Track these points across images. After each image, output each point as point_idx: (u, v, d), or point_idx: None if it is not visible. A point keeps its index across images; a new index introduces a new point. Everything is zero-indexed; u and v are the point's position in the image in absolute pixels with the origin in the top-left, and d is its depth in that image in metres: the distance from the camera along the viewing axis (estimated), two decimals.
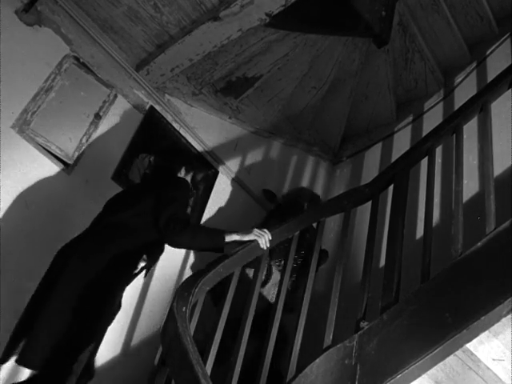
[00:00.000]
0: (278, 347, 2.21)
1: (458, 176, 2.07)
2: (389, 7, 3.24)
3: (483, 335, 1.55)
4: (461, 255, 1.80)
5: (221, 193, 3.61)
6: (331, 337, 2.09)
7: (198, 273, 2.05)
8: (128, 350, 2.83)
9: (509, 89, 2.25)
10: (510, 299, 1.48)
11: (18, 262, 2.57)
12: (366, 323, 1.96)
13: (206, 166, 3.49)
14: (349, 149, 4.31)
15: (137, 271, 2.33)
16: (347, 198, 2.65)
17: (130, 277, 2.32)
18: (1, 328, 2.38)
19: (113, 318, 2.26)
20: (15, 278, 2.53)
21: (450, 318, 1.61)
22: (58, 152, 2.87)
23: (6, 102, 2.72)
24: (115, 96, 3.21)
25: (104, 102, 3.15)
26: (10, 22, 2.86)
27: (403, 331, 1.76)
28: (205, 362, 1.87)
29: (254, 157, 3.92)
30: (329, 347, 2.03)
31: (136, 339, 2.87)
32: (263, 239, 2.27)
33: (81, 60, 3.10)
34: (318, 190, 4.08)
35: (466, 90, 3.45)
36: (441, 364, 1.61)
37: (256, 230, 2.29)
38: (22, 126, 2.77)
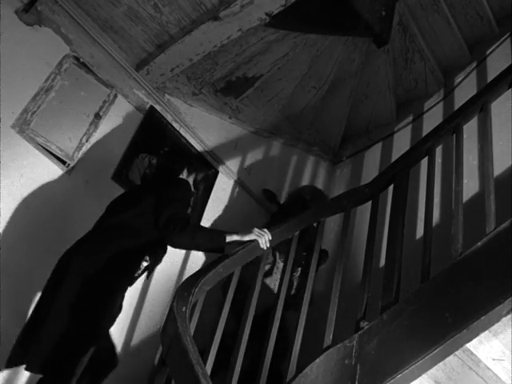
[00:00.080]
0: (284, 346, 2.21)
1: (457, 176, 2.07)
2: (389, 7, 3.24)
3: (483, 335, 1.55)
4: (461, 255, 1.80)
5: (221, 193, 3.61)
6: (331, 337, 2.09)
7: (198, 273, 2.05)
8: (128, 350, 2.83)
9: (509, 89, 2.25)
10: (510, 299, 1.48)
11: (18, 262, 2.57)
12: (365, 323, 1.96)
13: (205, 166, 3.49)
14: (349, 149, 4.30)
15: (139, 272, 2.33)
16: (347, 197, 2.65)
17: (132, 278, 2.32)
18: (1, 328, 2.38)
19: (114, 320, 2.26)
20: (15, 277, 2.53)
21: (450, 317, 1.61)
22: (58, 152, 2.87)
23: (5, 101, 2.72)
24: (115, 96, 3.21)
25: (104, 102, 3.15)
26: (10, 22, 2.86)
27: (403, 331, 1.76)
28: (205, 362, 1.87)
29: (253, 157, 3.92)
30: (329, 347, 2.03)
31: (136, 339, 2.87)
32: (263, 239, 2.27)
33: (81, 60, 3.11)
34: None
35: (466, 89, 3.45)
36: (441, 364, 1.61)
37: (256, 230, 2.29)
38: (22, 126, 2.77)
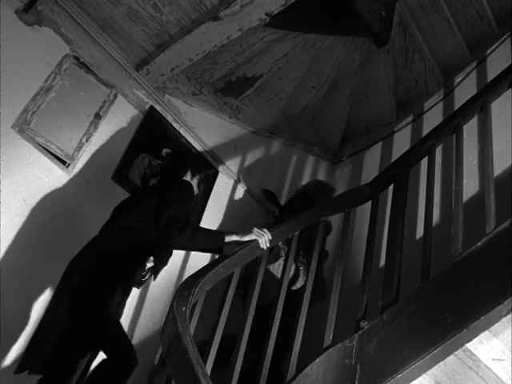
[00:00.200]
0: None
1: (458, 176, 2.07)
2: (389, 7, 3.24)
3: (483, 335, 1.55)
4: (461, 255, 1.80)
5: (221, 193, 3.61)
6: (331, 337, 2.09)
7: (198, 273, 2.05)
8: None
9: (509, 89, 2.25)
10: (510, 299, 1.48)
11: (18, 262, 2.57)
12: (365, 323, 1.96)
13: (206, 166, 3.49)
14: (349, 149, 4.31)
15: (144, 273, 2.34)
16: (347, 197, 2.65)
17: (131, 278, 2.31)
18: (1, 329, 2.38)
19: (113, 320, 2.24)
20: (15, 277, 2.53)
21: (450, 317, 1.61)
22: (58, 152, 2.87)
23: (6, 101, 2.72)
24: (115, 96, 3.21)
25: (104, 101, 3.15)
26: (10, 22, 2.86)
27: (403, 331, 1.76)
28: (205, 362, 1.87)
29: (253, 157, 3.92)
30: (329, 347, 2.03)
31: (136, 339, 2.87)
32: (263, 239, 2.27)
33: (81, 60, 3.10)
34: None
35: (466, 89, 3.45)
36: (441, 364, 1.61)
37: (256, 230, 2.29)
38: (22, 126, 2.77)
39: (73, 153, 2.93)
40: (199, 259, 3.09)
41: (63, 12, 3.07)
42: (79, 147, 2.96)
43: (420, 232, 2.85)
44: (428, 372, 1.63)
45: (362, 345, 1.86)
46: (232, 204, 3.65)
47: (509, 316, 1.50)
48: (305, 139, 4.23)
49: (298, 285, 3.00)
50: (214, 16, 2.95)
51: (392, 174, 2.52)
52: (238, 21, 2.95)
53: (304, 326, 2.19)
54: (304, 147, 4.24)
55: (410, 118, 3.89)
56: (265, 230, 2.32)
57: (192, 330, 1.90)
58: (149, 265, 2.34)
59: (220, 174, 3.63)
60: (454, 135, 2.28)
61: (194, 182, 2.67)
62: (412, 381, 1.65)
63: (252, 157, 3.90)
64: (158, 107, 3.41)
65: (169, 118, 3.46)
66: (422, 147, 2.46)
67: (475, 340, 1.56)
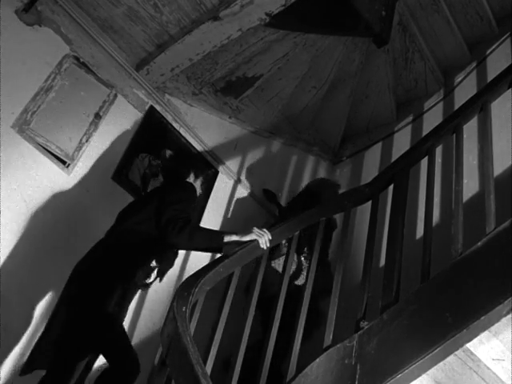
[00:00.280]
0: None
1: (457, 176, 2.07)
2: (389, 7, 3.24)
3: (483, 335, 1.55)
4: (461, 255, 1.80)
5: (221, 193, 3.60)
6: (331, 337, 2.09)
7: (198, 273, 2.05)
8: None
9: (509, 89, 2.25)
10: (510, 299, 1.48)
11: (19, 262, 2.57)
12: (365, 323, 1.96)
13: (206, 166, 3.49)
14: (349, 149, 4.30)
15: (149, 276, 2.34)
16: (347, 197, 2.65)
17: (130, 278, 2.31)
18: (1, 330, 2.38)
19: (111, 320, 2.23)
20: (15, 277, 2.53)
21: (450, 317, 1.61)
22: (58, 152, 2.87)
23: (6, 101, 2.72)
24: (115, 96, 3.21)
25: (104, 101, 3.15)
26: (10, 22, 2.86)
27: (403, 331, 1.76)
28: (205, 362, 1.87)
29: (254, 157, 3.92)
30: (329, 347, 2.03)
31: (136, 339, 2.87)
32: (263, 239, 2.27)
33: (81, 60, 3.10)
34: None
35: (466, 89, 3.45)
36: (441, 364, 1.61)
37: (256, 230, 2.29)
38: (22, 126, 2.76)
39: (73, 153, 2.93)
40: (199, 259, 3.09)
41: (63, 12, 3.07)
42: (79, 147, 2.96)
43: (420, 232, 2.85)
44: (428, 372, 1.63)
45: (362, 345, 1.86)
46: (232, 204, 3.65)
47: (509, 316, 1.50)
48: (305, 139, 4.23)
49: (301, 281, 3.00)
50: (214, 16, 2.95)
51: (392, 174, 2.52)
52: (238, 21, 2.95)
53: (317, 321, 2.20)
54: (304, 147, 4.24)
55: (410, 118, 3.89)
56: (265, 229, 2.32)
57: (192, 330, 1.90)
58: (154, 267, 2.35)
59: (220, 174, 3.63)
60: (454, 135, 2.28)
61: (198, 184, 2.68)
62: (412, 381, 1.65)
63: (252, 157, 3.90)
64: (158, 107, 3.41)
65: (169, 118, 3.46)
66: (422, 147, 2.46)
67: (475, 340, 1.56)
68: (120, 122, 3.20)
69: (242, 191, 3.75)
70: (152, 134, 3.34)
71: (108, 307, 2.16)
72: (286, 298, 2.24)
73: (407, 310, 1.79)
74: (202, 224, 3.33)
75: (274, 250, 3.04)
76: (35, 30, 2.95)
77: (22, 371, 2.12)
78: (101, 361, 2.17)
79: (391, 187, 2.50)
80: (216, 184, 3.58)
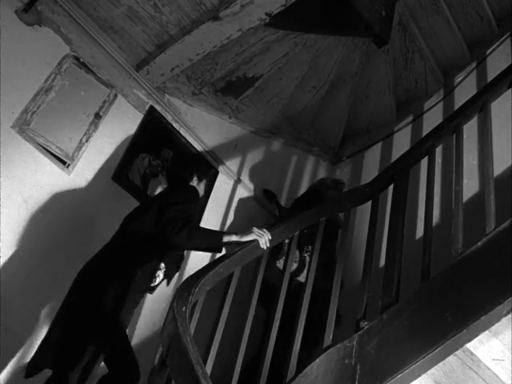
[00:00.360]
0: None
1: (457, 176, 2.07)
2: (389, 7, 3.24)
3: (483, 335, 1.55)
4: (461, 255, 1.80)
5: (221, 193, 3.61)
6: (331, 337, 2.09)
7: (198, 273, 2.05)
8: None
9: (509, 89, 2.24)
10: (510, 299, 1.48)
11: (18, 262, 2.57)
12: (365, 323, 1.96)
13: (206, 167, 3.49)
14: (349, 149, 4.31)
15: (155, 281, 2.35)
16: (347, 197, 2.65)
17: (129, 277, 2.31)
18: (1, 329, 2.38)
19: (108, 317, 2.22)
20: (15, 277, 2.53)
21: (450, 317, 1.61)
22: (58, 152, 2.87)
23: (6, 101, 2.72)
24: (115, 96, 3.21)
25: (104, 101, 3.15)
26: (10, 22, 2.86)
27: (403, 331, 1.76)
28: (205, 362, 1.87)
29: (254, 157, 3.92)
30: (329, 347, 2.03)
31: (136, 339, 2.87)
32: (263, 239, 2.28)
33: (81, 60, 3.10)
34: None
35: (466, 89, 3.45)
36: (441, 364, 1.61)
37: (256, 230, 2.30)
38: (22, 126, 2.76)
39: (73, 153, 2.93)
40: (199, 259, 3.09)
41: (63, 12, 3.07)
42: (79, 147, 2.96)
43: (420, 232, 2.85)
44: (428, 372, 1.62)
45: (362, 345, 1.86)
46: (232, 204, 3.65)
47: (509, 316, 1.50)
48: (305, 139, 4.23)
49: (302, 278, 3.00)
50: (214, 16, 2.95)
51: (392, 173, 2.52)
52: (238, 21, 2.95)
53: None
54: (304, 147, 4.24)
55: (410, 118, 3.89)
56: (265, 229, 2.32)
57: (192, 330, 1.90)
58: (160, 270, 2.35)
59: (220, 174, 3.63)
60: (454, 135, 2.27)
61: (201, 187, 2.70)
62: (412, 381, 1.65)
63: (252, 157, 3.90)
64: (158, 107, 3.41)
65: (169, 118, 3.46)
66: (422, 147, 2.45)
67: (475, 340, 1.56)
68: (120, 122, 3.20)
69: (242, 191, 3.75)
70: (152, 134, 3.34)
71: (107, 306, 2.16)
72: (294, 297, 2.26)
73: (407, 310, 1.79)
74: (202, 224, 3.34)
75: (278, 251, 3.04)
76: (35, 30, 2.95)
77: (27, 374, 2.12)
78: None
79: (391, 187, 2.50)
80: (216, 184, 3.58)
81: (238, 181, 3.73)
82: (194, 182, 2.66)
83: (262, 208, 3.77)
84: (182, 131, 3.49)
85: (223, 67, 3.50)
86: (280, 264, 3.05)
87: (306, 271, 3.06)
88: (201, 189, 2.68)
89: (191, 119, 3.58)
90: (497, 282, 1.57)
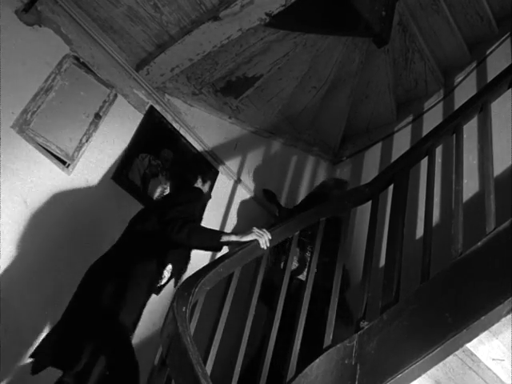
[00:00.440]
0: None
1: (457, 176, 2.07)
2: (389, 7, 3.24)
3: (483, 335, 1.55)
4: (461, 255, 1.80)
5: (221, 193, 3.60)
6: (331, 337, 2.09)
7: (198, 273, 2.05)
8: None
9: (509, 89, 2.25)
10: (510, 299, 1.48)
11: (18, 262, 2.57)
12: (365, 323, 1.96)
13: (206, 166, 3.49)
14: (349, 149, 4.30)
15: (162, 282, 2.36)
16: (347, 197, 2.65)
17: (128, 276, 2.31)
18: (1, 329, 2.38)
19: (105, 313, 2.22)
20: (15, 277, 2.53)
21: (450, 317, 1.61)
22: (58, 152, 2.87)
23: (6, 101, 2.72)
24: (115, 96, 3.21)
25: (104, 101, 3.15)
26: (10, 22, 2.86)
27: (403, 331, 1.76)
28: (205, 362, 1.87)
29: (254, 157, 3.92)
30: (329, 347, 2.03)
31: (136, 339, 2.86)
32: (263, 239, 2.28)
33: (81, 60, 3.10)
34: None
35: (466, 89, 3.45)
36: (441, 364, 1.61)
37: (256, 230, 2.30)
38: (22, 126, 2.76)
39: (73, 153, 2.93)
40: (199, 259, 3.08)
41: (63, 12, 3.07)
42: (79, 147, 2.96)
43: (420, 232, 2.85)
44: (428, 372, 1.63)
45: (362, 345, 1.86)
46: (232, 204, 3.65)
47: (509, 316, 1.50)
48: (305, 139, 4.23)
49: (303, 277, 3.00)
50: (214, 16, 2.95)
51: (392, 173, 2.52)
52: (238, 21, 2.95)
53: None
54: (304, 147, 4.24)
55: (410, 118, 3.89)
56: (264, 229, 2.32)
57: (192, 330, 1.90)
58: (167, 272, 2.36)
59: (220, 174, 3.63)
60: (454, 135, 2.28)
61: (206, 189, 2.71)
62: (412, 381, 1.65)
63: (252, 157, 3.90)
64: (157, 107, 3.41)
65: (169, 118, 3.46)
66: (422, 147, 2.46)
67: (475, 340, 1.56)
68: (120, 122, 3.20)
69: (242, 191, 3.75)
70: (152, 134, 3.34)
71: (104, 303, 2.15)
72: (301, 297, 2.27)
73: (407, 310, 1.79)
74: (203, 224, 3.33)
75: (282, 252, 3.05)
76: (35, 30, 2.95)
77: (34, 370, 2.12)
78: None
79: (391, 187, 2.50)
80: (216, 184, 3.58)
81: (237, 181, 3.73)
82: (199, 184, 2.67)
83: (261, 208, 3.77)
84: (182, 131, 3.49)
85: (223, 67, 3.50)
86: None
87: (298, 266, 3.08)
88: (205, 190, 2.69)
89: (191, 119, 3.58)
90: (497, 281, 1.57)
